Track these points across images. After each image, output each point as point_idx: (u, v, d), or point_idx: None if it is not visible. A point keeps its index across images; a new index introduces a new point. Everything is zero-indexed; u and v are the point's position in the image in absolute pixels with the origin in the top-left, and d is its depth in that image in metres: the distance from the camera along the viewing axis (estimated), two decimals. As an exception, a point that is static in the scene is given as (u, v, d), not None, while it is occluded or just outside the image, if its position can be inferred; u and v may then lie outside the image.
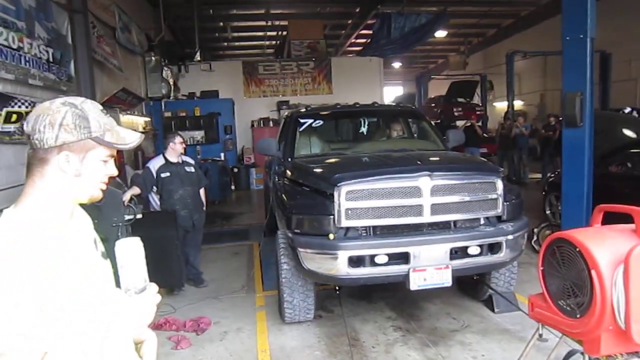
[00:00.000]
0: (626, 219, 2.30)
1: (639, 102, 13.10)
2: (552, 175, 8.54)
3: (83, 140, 1.19)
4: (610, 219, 2.46)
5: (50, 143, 1.16)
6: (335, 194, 3.71)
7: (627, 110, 9.78)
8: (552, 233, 6.09)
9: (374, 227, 3.83)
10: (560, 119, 11.73)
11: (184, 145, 5.43)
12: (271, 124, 15.27)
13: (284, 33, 18.28)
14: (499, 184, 3.92)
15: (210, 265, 6.12)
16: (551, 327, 2.38)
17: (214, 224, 8.57)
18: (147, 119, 12.61)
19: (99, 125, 1.21)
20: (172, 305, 4.91)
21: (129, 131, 1.29)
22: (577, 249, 2.03)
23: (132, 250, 1.25)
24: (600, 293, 1.93)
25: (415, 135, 5.82)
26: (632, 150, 6.42)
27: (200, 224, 5.52)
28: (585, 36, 4.97)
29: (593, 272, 1.94)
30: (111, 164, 1.28)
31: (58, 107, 1.19)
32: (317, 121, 5.60)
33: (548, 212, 7.55)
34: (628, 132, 7.89)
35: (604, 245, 2.01)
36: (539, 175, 12.51)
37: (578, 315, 2.07)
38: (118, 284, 1.26)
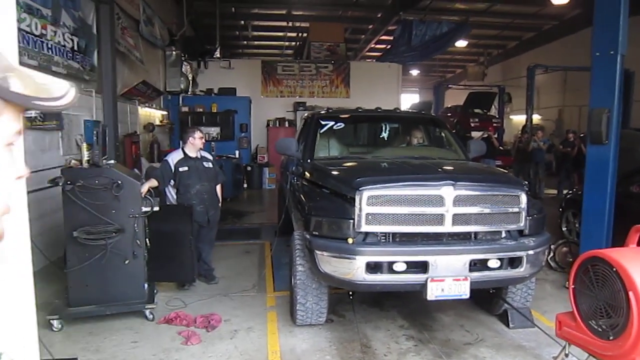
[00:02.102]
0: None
1: (660, 122, 12.88)
2: (570, 192, 8.43)
3: None
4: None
5: None
6: (357, 198, 3.67)
7: (650, 130, 9.61)
8: (569, 250, 6.06)
9: (394, 234, 3.78)
10: (582, 135, 11.62)
11: (203, 141, 5.42)
12: (287, 124, 15.29)
13: (304, 35, 18.30)
14: (523, 198, 3.85)
15: (221, 263, 6.09)
16: (579, 347, 2.31)
17: (226, 221, 8.55)
18: (165, 112, 12.69)
19: None
20: (183, 300, 4.89)
21: (47, 77, 0.69)
22: (614, 269, 1.97)
23: None
24: (637, 316, 1.86)
25: (437, 143, 5.76)
26: (655, 171, 6.30)
27: (215, 220, 5.50)
28: (615, 52, 4.88)
29: (631, 294, 1.88)
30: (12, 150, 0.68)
31: None
32: (338, 124, 5.56)
33: (564, 229, 7.44)
34: (650, 153, 7.76)
35: (643, 267, 1.95)
36: (555, 191, 12.37)
37: (611, 337, 2.01)
38: None
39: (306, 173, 4.80)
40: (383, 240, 3.78)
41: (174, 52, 12.51)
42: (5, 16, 1.20)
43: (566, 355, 2.44)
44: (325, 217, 3.87)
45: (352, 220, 3.69)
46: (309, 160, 5.03)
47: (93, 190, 4.17)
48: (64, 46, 6.51)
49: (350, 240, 3.68)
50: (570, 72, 16.05)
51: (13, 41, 1.27)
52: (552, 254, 6.06)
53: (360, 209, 3.65)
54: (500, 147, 14.53)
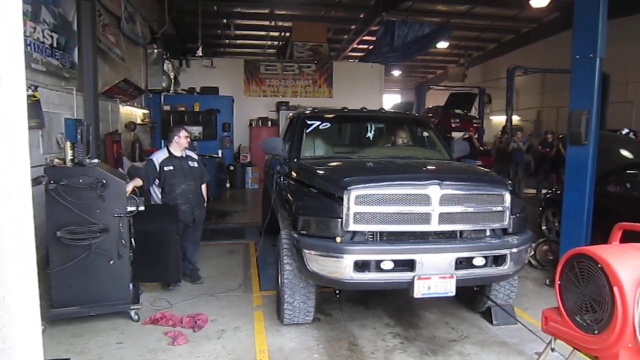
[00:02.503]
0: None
1: (634, 124, 13.27)
2: (549, 191, 8.61)
3: None
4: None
5: None
6: (345, 197, 3.69)
7: (625, 131, 9.90)
8: (549, 248, 6.20)
9: (381, 233, 3.82)
10: (560, 136, 11.87)
11: (188, 140, 5.38)
12: (270, 124, 15.28)
13: (287, 34, 18.30)
14: (507, 197, 3.93)
15: (206, 262, 6.06)
16: (565, 342, 2.38)
17: (210, 220, 8.50)
18: (146, 111, 12.53)
19: None
20: (168, 301, 4.86)
21: None
22: (599, 265, 2.03)
23: None
24: (621, 310, 1.93)
25: (421, 143, 5.82)
26: (630, 171, 6.49)
27: (200, 219, 5.47)
28: (594, 55, 5.01)
29: (615, 289, 1.95)
30: None
31: None
32: (324, 123, 5.58)
33: (544, 227, 7.60)
34: (626, 153, 7.99)
35: (627, 263, 2.01)
36: (534, 191, 12.62)
37: (596, 331, 2.07)
38: None
39: (293, 172, 4.81)
40: (371, 239, 3.81)
41: (155, 50, 12.35)
42: (9, 16, 1.18)
43: (552, 350, 2.51)
44: (313, 216, 3.88)
45: (340, 220, 3.72)
46: (295, 160, 5.04)
47: (77, 190, 4.10)
48: (43, 43, 6.37)
49: (338, 239, 3.70)
50: (548, 74, 16.39)
51: (19, 40, 1.25)
52: (532, 252, 6.19)
53: (348, 208, 3.68)
54: (481, 148, 14.76)
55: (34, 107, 5.98)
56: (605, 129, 11.56)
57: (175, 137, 5.25)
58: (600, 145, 5.39)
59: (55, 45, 6.71)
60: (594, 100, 5.07)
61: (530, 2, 13.20)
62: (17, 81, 1.28)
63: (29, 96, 5.86)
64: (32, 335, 1.24)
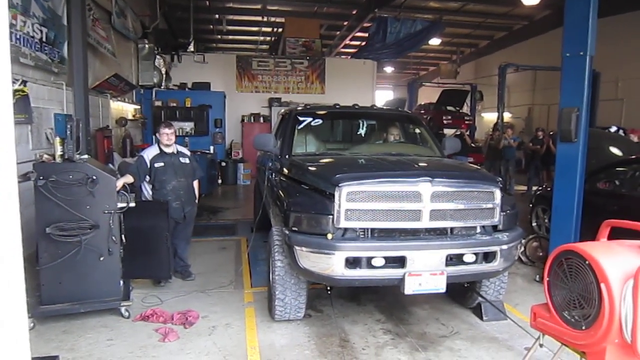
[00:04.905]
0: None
1: (624, 121, 13.40)
2: (540, 188, 8.67)
3: None
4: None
5: None
6: (336, 194, 3.69)
7: (614, 129, 9.99)
8: (539, 245, 6.25)
9: (372, 230, 3.82)
10: (551, 133, 11.96)
11: (168, 134, 5.20)
12: (262, 120, 15.24)
13: (279, 30, 18.24)
14: (497, 194, 3.95)
15: (197, 259, 6.05)
16: (553, 338, 2.40)
17: (201, 217, 8.48)
18: (137, 106, 12.46)
19: None
20: (159, 297, 4.84)
21: None
22: (587, 262, 2.05)
23: None
24: (608, 306, 1.95)
25: (413, 140, 5.83)
26: (619, 169, 6.55)
27: (191, 216, 5.45)
28: (585, 53, 5.04)
29: (602, 286, 1.97)
30: None
31: None
32: (317, 120, 5.57)
33: (534, 224, 7.66)
34: (615, 151, 8.08)
35: (614, 260, 2.04)
36: (524, 188, 12.71)
37: (583, 327, 2.10)
38: None
39: (284, 169, 4.80)
40: (362, 236, 3.81)
41: (146, 45, 12.27)
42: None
43: (540, 346, 2.54)
44: (305, 213, 3.88)
45: (331, 216, 3.72)
46: (287, 156, 5.04)
47: (67, 186, 4.07)
48: (33, 37, 6.31)
49: (329, 236, 3.70)
50: (539, 71, 16.48)
51: (4, 35, 1.23)
52: (522, 249, 6.24)
53: (339, 205, 3.68)
54: (472, 145, 14.83)
55: (23, 102, 5.92)
56: (595, 126, 11.68)
57: (158, 135, 5.25)
58: (591, 144, 5.43)
59: (44, 39, 6.65)
60: (584, 98, 5.11)
61: (522, -1, 13.23)
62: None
63: (17, 91, 5.80)
64: (18, 334, 1.22)
